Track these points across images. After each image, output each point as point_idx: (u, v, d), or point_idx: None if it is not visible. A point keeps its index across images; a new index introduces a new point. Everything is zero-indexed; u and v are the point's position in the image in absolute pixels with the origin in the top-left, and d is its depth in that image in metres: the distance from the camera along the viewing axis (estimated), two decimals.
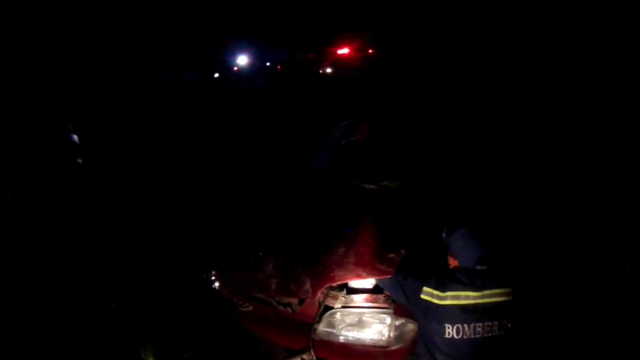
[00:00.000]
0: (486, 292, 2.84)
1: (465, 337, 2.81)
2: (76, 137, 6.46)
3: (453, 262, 3.12)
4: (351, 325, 3.34)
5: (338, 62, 18.65)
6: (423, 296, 2.94)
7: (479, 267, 2.93)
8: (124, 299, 4.55)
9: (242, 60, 19.78)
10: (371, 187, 4.21)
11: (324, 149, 5.17)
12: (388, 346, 3.22)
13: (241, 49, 19.63)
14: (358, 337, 3.31)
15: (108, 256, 5.25)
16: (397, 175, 4.36)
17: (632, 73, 7.40)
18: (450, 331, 2.83)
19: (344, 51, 18.56)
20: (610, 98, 6.99)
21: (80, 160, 6.42)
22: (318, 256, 3.45)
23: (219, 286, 3.84)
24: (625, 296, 4.06)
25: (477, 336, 2.81)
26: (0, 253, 5.00)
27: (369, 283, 3.42)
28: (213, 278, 3.89)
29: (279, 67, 21.37)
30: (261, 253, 3.66)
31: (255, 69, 20.20)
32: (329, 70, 19.23)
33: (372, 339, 3.28)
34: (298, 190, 4.54)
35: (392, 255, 3.26)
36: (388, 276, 3.13)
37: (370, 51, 18.89)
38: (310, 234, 3.74)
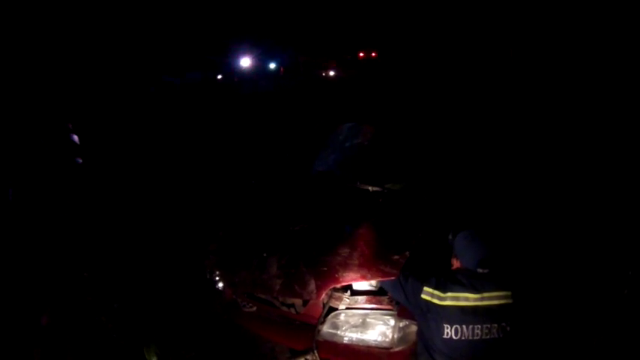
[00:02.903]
0: (486, 294, 2.85)
1: (463, 338, 2.83)
2: (76, 137, 6.48)
3: (455, 264, 3.13)
4: (355, 326, 3.35)
5: (341, 65, 18.72)
6: (423, 296, 2.95)
7: (480, 269, 2.94)
8: (127, 299, 4.56)
9: (245, 62, 19.79)
10: (375, 189, 4.22)
11: (327, 151, 5.18)
12: (391, 348, 3.23)
13: (244, 52, 19.64)
14: (362, 338, 3.32)
15: (110, 255, 5.26)
16: (401, 178, 4.37)
17: (632, 73, 7.42)
18: (449, 331, 2.85)
19: (347, 55, 18.64)
20: (609, 98, 7.00)
21: (80, 160, 6.44)
22: (322, 258, 3.46)
23: (223, 287, 3.86)
24: (626, 300, 4.07)
25: (476, 338, 2.82)
26: (1, 254, 5.02)
27: (373, 284, 3.43)
28: (217, 279, 3.90)
29: (281, 69, 21.41)
30: (265, 254, 3.67)
31: (258, 71, 20.22)
32: (332, 73, 19.28)
33: (375, 340, 3.29)
34: (302, 191, 4.55)
35: (396, 257, 3.27)
36: (392, 278, 3.14)
37: (373, 54, 18.97)
38: (314, 235, 3.75)
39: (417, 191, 4.19)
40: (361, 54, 18.98)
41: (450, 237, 3.20)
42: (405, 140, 4.98)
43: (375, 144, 5.03)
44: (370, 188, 4.24)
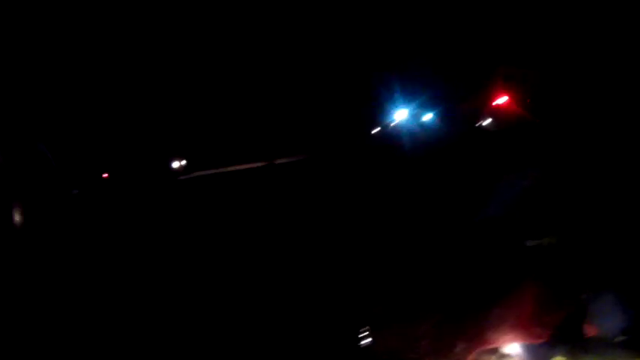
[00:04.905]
0: None
1: None
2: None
3: (590, 330, 2.84)
4: None
5: (496, 112, 18.21)
6: None
7: (620, 338, 2.64)
8: None
9: (400, 114, 20.07)
10: (534, 243, 4.09)
11: (487, 203, 5.12)
12: None
13: (398, 103, 19.94)
14: None
15: None
16: (561, 231, 4.19)
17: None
18: None
19: (502, 100, 18.06)
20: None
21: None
22: (472, 317, 3.39)
23: (371, 343, 3.87)
24: None
25: None
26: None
27: (516, 348, 3.26)
28: (365, 335, 3.94)
29: (434, 118, 21.37)
30: (415, 311, 3.69)
31: (413, 122, 20.39)
32: (487, 121, 18.83)
33: None
34: (456, 245, 4.54)
35: (549, 318, 3.10)
36: (540, 340, 2.98)
37: (528, 100, 18.14)
38: (466, 293, 3.70)
39: (575, 245, 3.96)
40: (518, 98, 18.28)
41: (584, 297, 2.92)
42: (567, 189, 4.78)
43: (535, 195, 4.88)
44: (529, 242, 4.12)
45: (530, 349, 3.04)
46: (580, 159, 5.42)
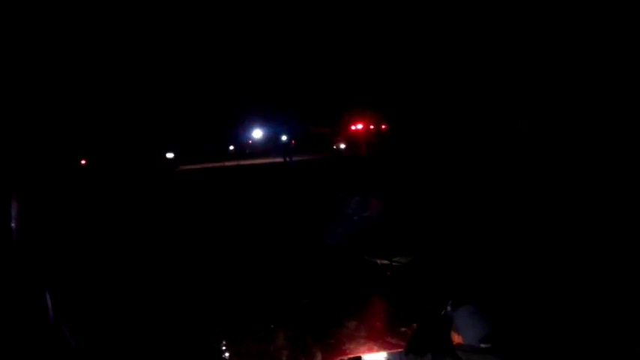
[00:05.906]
0: None
1: None
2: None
3: (456, 339, 3.06)
4: None
5: (351, 137, 19.00)
6: None
7: (483, 345, 2.86)
8: None
9: (257, 133, 20.22)
10: (383, 262, 4.27)
11: (336, 224, 5.25)
12: None
13: (256, 123, 20.07)
14: None
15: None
16: (408, 251, 4.42)
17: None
18: None
19: (357, 127, 18.92)
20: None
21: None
22: (329, 330, 3.47)
23: (229, 356, 3.84)
24: None
25: None
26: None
27: (380, 356, 3.41)
28: (223, 348, 3.89)
29: (292, 141, 21.80)
30: (272, 325, 3.69)
31: (269, 142, 20.60)
32: (342, 146, 19.58)
33: None
34: (311, 264, 4.61)
35: (404, 329, 3.28)
36: (399, 350, 3.12)
37: (383, 127, 19.26)
38: (322, 308, 3.78)
39: (424, 264, 4.23)
40: (372, 126, 19.21)
41: (449, 309, 3.14)
42: (413, 214, 5.06)
43: (383, 217, 5.10)
44: (378, 261, 4.29)
45: (398, 358, 3.16)
46: (439, 183, 5.79)
